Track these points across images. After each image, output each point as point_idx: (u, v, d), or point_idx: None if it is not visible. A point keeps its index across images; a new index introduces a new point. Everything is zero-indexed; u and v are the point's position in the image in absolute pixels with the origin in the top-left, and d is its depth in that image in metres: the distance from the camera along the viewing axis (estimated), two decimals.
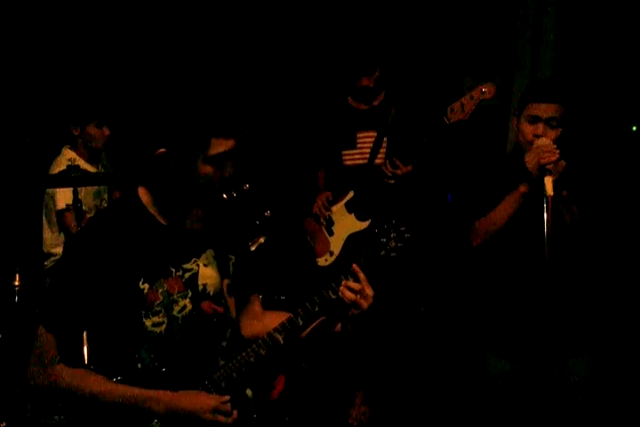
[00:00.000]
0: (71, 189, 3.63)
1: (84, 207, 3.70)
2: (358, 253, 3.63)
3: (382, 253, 2.11)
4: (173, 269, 2.09)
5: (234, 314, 2.24)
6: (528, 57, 4.50)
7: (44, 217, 4.07)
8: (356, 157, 3.95)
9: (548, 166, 2.64)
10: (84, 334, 2.06)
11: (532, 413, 2.87)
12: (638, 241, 4.09)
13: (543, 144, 2.72)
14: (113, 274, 2.01)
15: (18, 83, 4.55)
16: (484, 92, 3.38)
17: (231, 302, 2.23)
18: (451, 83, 4.71)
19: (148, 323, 2.04)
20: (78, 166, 3.69)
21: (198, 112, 1.98)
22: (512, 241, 2.85)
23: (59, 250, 4.03)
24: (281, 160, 4.80)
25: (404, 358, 4.13)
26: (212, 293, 2.16)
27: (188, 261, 2.12)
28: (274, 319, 2.23)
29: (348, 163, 3.98)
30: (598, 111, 4.34)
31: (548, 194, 2.58)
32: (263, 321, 2.33)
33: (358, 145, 3.94)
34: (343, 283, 2.11)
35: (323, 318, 2.18)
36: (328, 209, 3.95)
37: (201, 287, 2.14)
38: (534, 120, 2.82)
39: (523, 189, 2.76)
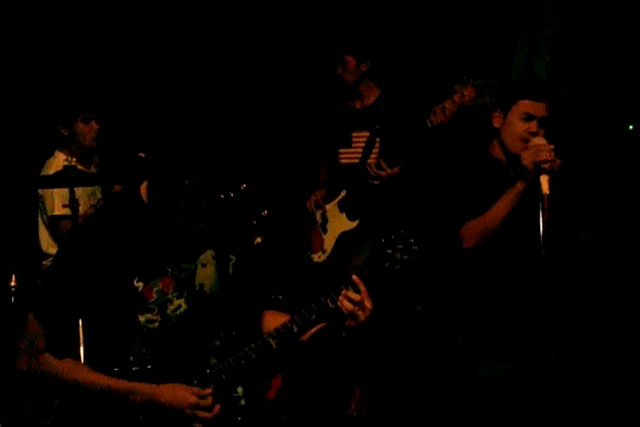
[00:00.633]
0: (61, 194, 3.67)
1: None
2: (351, 254, 3.66)
3: (386, 264, 2.05)
4: (170, 269, 2.08)
5: (229, 314, 2.22)
6: (525, 56, 4.50)
7: (39, 217, 4.07)
8: (351, 155, 3.99)
9: (544, 165, 2.64)
10: (79, 325, 2.05)
11: (527, 412, 2.87)
12: (636, 241, 4.09)
13: (540, 143, 2.72)
14: (107, 270, 2.00)
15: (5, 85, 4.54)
16: (465, 95, 3.37)
17: (228, 302, 2.21)
18: (448, 81, 4.70)
19: (141, 319, 2.04)
20: (75, 167, 3.69)
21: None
22: (505, 240, 2.84)
23: (55, 250, 4.01)
24: (279, 158, 4.79)
25: (401, 354, 4.13)
26: (208, 293, 2.15)
27: (186, 261, 2.11)
28: (270, 320, 2.22)
29: (344, 161, 4.03)
30: (595, 110, 4.34)
31: (544, 193, 2.58)
32: (261, 322, 2.31)
33: (353, 144, 3.98)
34: (343, 293, 2.07)
35: (323, 325, 2.14)
36: (319, 207, 3.98)
37: (197, 287, 2.13)
38: (529, 118, 2.82)
39: (520, 186, 2.74)
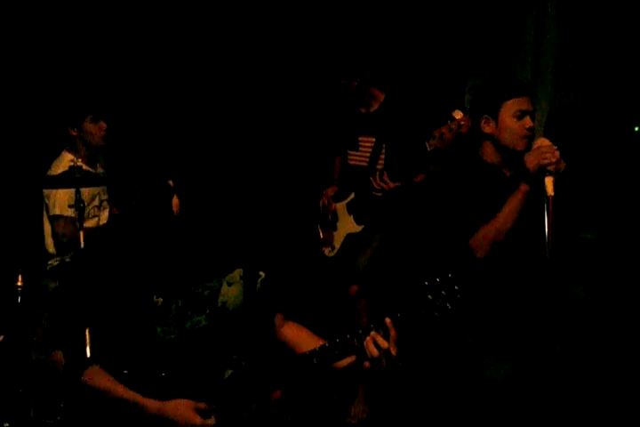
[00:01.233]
0: (65, 195, 3.70)
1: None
2: (355, 255, 3.68)
3: (423, 311, 1.90)
4: (192, 288, 2.06)
5: (251, 329, 2.17)
6: (530, 58, 4.50)
7: (45, 217, 4.07)
8: (358, 158, 4.07)
9: (549, 167, 2.62)
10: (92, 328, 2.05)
11: (534, 412, 2.86)
12: (639, 241, 4.09)
13: (543, 144, 2.70)
14: (127, 283, 1.99)
15: (12, 86, 4.55)
16: (462, 125, 3.35)
17: (252, 316, 2.17)
18: (454, 84, 4.71)
19: (158, 329, 2.02)
20: (81, 167, 3.70)
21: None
22: (510, 242, 2.82)
23: (55, 250, 4.01)
24: (292, 153, 4.84)
25: (408, 355, 4.12)
26: (230, 309, 2.12)
27: (211, 280, 2.09)
28: (294, 334, 2.24)
29: (352, 162, 4.11)
30: (600, 112, 4.33)
31: (548, 194, 2.57)
32: (283, 334, 2.29)
33: (360, 148, 4.07)
34: (371, 334, 1.95)
35: (352, 359, 2.04)
36: (331, 204, 4.05)
37: (219, 304, 2.10)
38: (522, 114, 2.82)
39: (524, 187, 2.70)
